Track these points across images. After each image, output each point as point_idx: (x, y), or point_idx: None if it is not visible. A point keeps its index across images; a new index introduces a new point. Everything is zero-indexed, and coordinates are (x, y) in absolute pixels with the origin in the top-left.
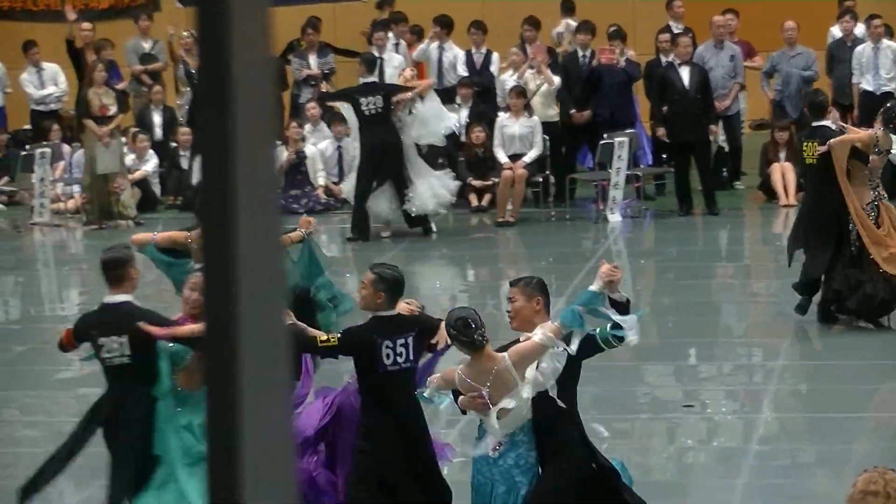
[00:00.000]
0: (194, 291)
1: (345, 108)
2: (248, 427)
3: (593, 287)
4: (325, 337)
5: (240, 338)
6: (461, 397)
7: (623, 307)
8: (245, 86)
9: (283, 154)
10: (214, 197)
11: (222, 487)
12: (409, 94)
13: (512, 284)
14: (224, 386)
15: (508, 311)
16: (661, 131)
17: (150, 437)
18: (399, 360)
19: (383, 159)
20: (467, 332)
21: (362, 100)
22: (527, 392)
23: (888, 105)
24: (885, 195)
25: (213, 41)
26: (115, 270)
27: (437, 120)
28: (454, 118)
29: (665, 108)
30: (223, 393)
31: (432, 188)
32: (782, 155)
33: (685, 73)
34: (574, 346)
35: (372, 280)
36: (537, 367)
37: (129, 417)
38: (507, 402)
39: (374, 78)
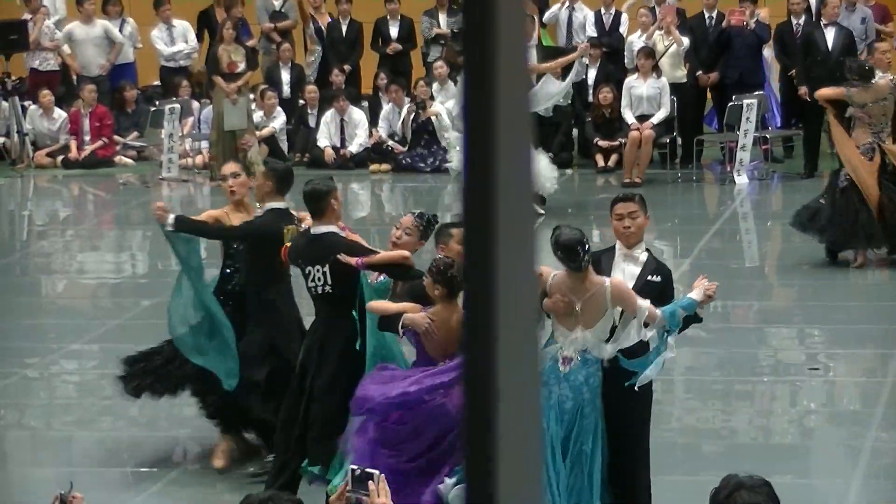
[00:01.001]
0: (399, 229)
1: None
2: (503, 431)
3: (694, 296)
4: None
5: (498, 357)
6: (546, 299)
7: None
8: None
9: (409, 112)
10: (476, 198)
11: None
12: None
13: (624, 199)
14: (481, 404)
15: (628, 227)
16: (802, 90)
17: (346, 378)
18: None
19: None
20: (575, 258)
21: None
22: (634, 327)
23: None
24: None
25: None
26: (318, 202)
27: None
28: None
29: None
30: (479, 400)
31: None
32: None
33: (830, 34)
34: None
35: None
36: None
37: (330, 349)
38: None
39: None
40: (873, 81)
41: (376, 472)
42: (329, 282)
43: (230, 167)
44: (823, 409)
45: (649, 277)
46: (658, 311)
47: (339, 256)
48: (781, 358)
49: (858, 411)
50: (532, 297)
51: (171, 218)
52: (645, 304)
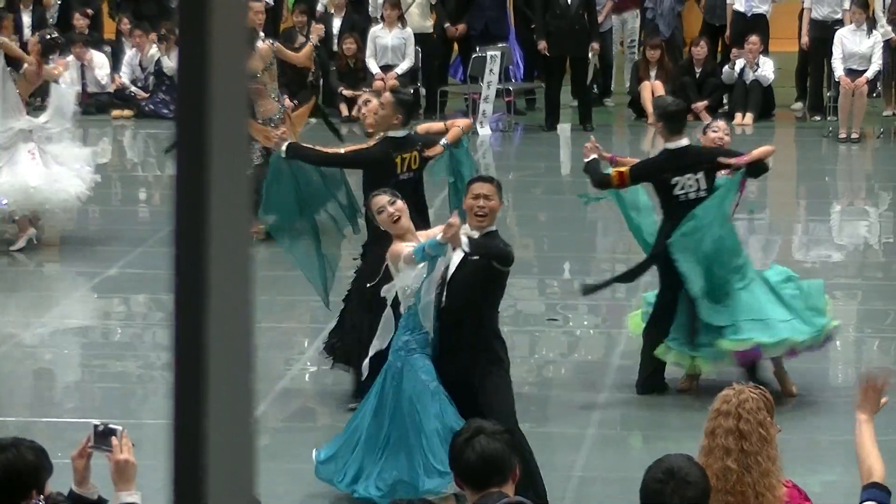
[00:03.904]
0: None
1: None
2: (213, 428)
3: (439, 238)
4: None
5: (210, 342)
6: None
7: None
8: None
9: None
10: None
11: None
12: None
13: (484, 180)
14: (192, 391)
15: (483, 208)
16: (542, 44)
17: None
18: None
19: None
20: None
21: None
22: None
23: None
24: None
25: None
26: (676, 122)
27: None
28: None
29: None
30: (191, 398)
31: None
32: (653, 73)
33: None
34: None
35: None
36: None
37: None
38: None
39: None
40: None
41: (120, 427)
42: (703, 186)
43: None
44: (562, 360)
45: (471, 257)
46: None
47: (719, 159)
48: (521, 308)
49: (595, 361)
50: (247, 299)
51: (283, 145)
52: (408, 249)
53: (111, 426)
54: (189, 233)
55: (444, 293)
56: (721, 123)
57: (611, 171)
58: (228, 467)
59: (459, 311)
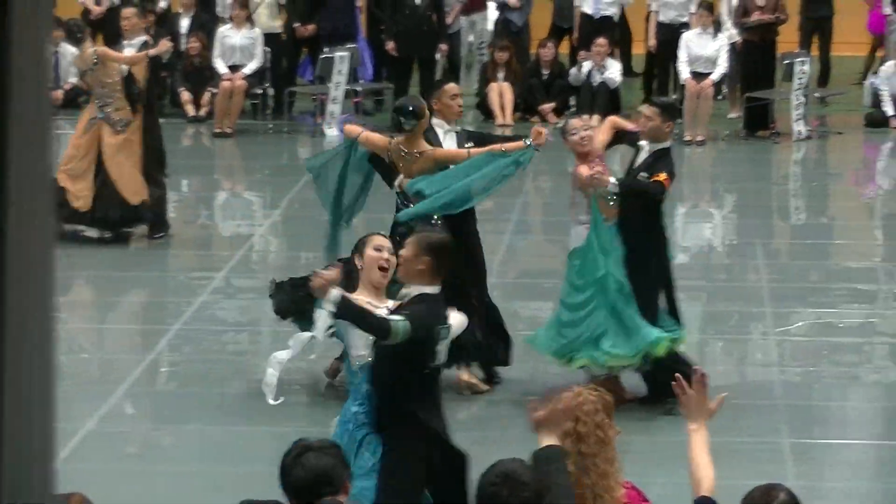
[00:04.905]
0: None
1: None
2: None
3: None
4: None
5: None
6: None
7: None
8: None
9: None
10: None
11: None
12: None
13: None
14: None
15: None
16: (390, 45)
17: None
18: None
19: None
20: None
21: None
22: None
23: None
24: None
25: None
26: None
27: None
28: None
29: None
30: None
31: None
32: (501, 74)
33: None
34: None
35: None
36: None
37: None
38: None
39: None
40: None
41: None
42: None
43: None
44: None
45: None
46: None
47: None
48: None
49: None
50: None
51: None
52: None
53: None
54: None
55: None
56: (575, 122)
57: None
58: (24, 467)
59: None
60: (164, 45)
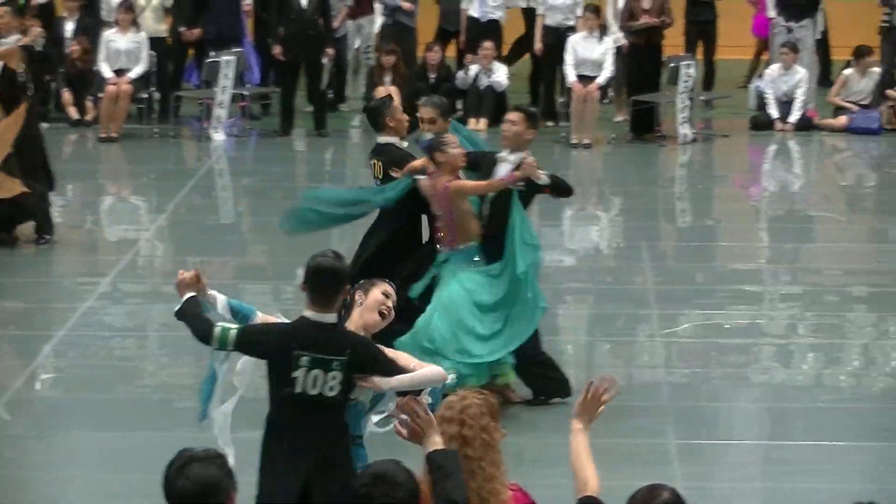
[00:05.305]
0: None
1: None
2: None
3: None
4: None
5: None
6: None
7: None
8: None
9: None
10: None
11: None
12: None
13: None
14: None
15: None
16: (276, 49)
17: None
18: None
19: None
20: None
21: None
22: None
23: None
24: None
25: None
26: None
27: None
28: None
29: (281, 28)
30: None
31: None
32: (388, 78)
33: None
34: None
35: None
36: None
37: None
38: None
39: None
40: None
41: None
42: None
43: None
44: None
45: None
46: None
47: None
48: None
49: None
50: None
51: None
52: None
53: None
54: None
55: None
56: (451, 136)
57: None
58: None
59: None
60: (35, 31)
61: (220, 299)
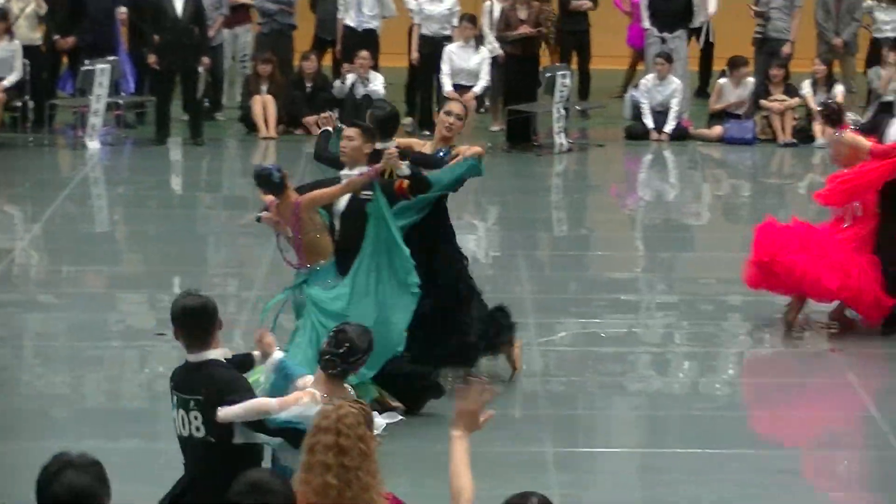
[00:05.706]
0: None
1: None
2: None
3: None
4: None
5: None
6: None
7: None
8: None
9: None
10: None
11: None
12: None
13: None
14: None
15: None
16: (152, 58)
17: None
18: None
19: None
20: None
21: None
22: None
23: None
24: None
25: None
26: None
27: None
28: None
29: (157, 37)
30: None
31: None
32: (264, 87)
33: (178, 2)
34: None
35: None
36: None
37: None
38: None
39: None
40: None
41: None
42: None
43: None
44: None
45: None
46: None
47: None
48: (131, 323)
49: None
50: None
51: None
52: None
53: None
54: None
55: None
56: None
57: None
58: None
59: None
60: None
61: (274, 356)
